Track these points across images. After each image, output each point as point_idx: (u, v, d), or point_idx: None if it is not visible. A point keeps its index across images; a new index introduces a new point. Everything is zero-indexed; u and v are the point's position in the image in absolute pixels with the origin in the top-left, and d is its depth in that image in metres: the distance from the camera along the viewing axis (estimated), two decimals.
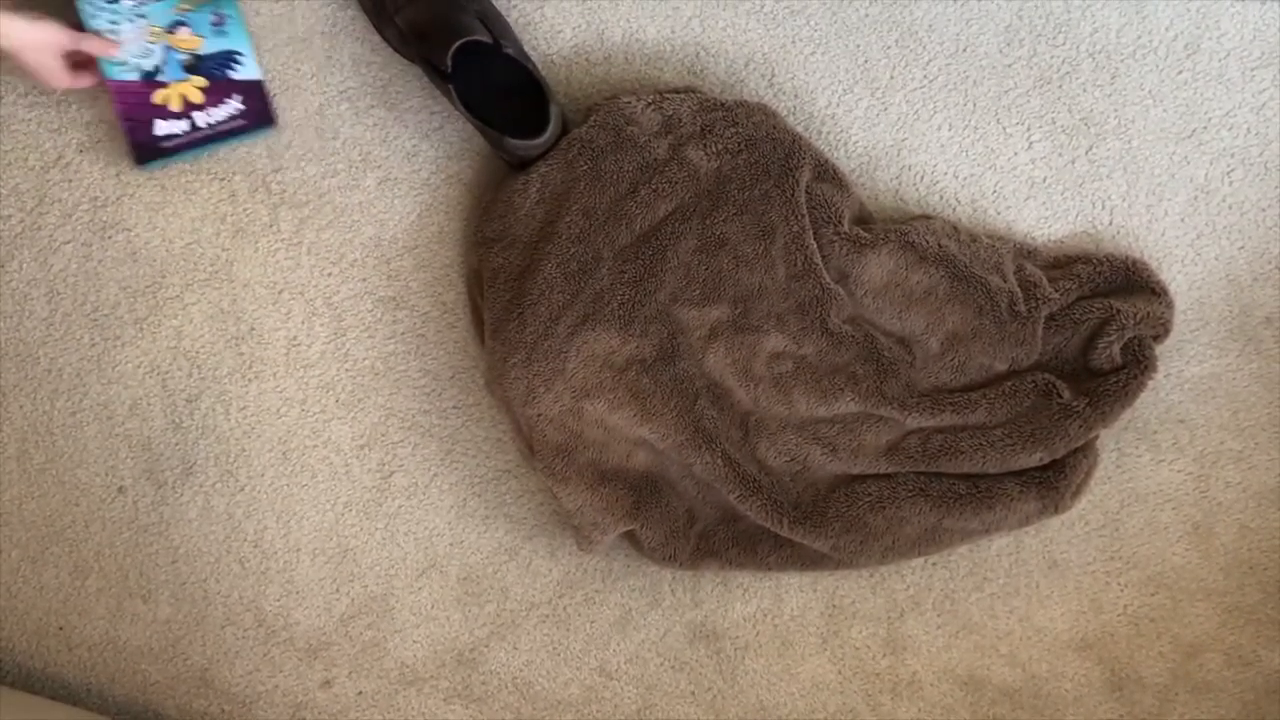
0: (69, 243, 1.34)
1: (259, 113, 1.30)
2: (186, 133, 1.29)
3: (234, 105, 1.30)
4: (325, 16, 1.31)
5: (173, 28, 1.28)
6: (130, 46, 1.26)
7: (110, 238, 1.34)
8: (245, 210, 1.33)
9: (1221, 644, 1.45)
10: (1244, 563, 1.43)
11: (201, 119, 1.29)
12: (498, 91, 1.27)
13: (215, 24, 1.28)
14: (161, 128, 1.29)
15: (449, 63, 1.22)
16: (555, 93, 1.30)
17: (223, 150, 1.32)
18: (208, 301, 1.36)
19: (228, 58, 1.29)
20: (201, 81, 1.29)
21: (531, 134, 1.25)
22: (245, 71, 1.30)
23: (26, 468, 1.38)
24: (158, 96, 1.28)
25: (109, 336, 1.36)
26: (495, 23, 1.27)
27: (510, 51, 1.25)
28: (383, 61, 1.32)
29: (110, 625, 1.41)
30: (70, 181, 1.33)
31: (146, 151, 1.29)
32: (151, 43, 1.27)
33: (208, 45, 1.29)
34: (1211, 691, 1.46)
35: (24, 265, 1.34)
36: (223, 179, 1.33)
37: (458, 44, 1.21)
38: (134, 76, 1.27)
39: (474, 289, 1.34)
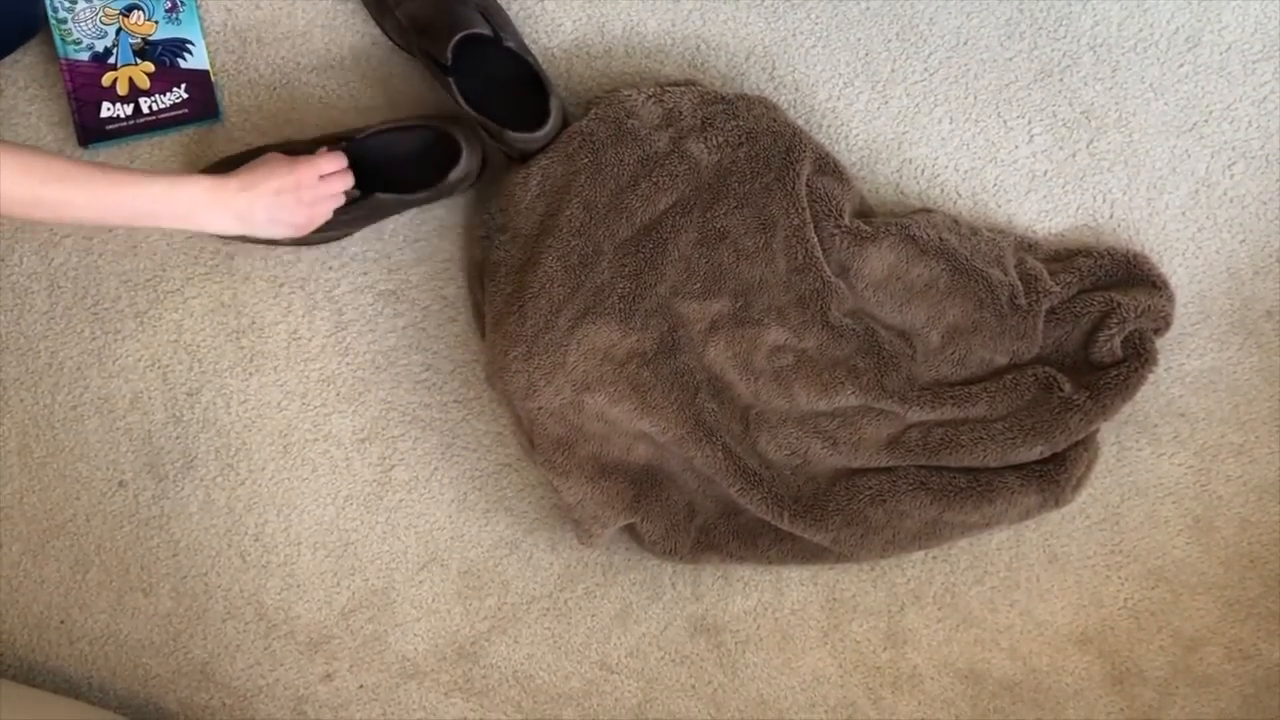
0: (69, 236, 1.34)
1: (203, 103, 1.31)
2: (129, 117, 1.30)
3: (179, 94, 1.30)
4: (324, 10, 1.31)
5: (127, 10, 1.28)
6: (85, 25, 1.27)
7: (111, 231, 1.34)
8: None
9: (1222, 637, 1.45)
10: (1244, 556, 1.43)
11: (146, 104, 1.30)
12: (498, 84, 1.27)
13: (169, 10, 1.29)
14: (107, 110, 1.29)
15: (449, 56, 1.22)
16: (556, 86, 1.30)
17: (166, 138, 1.32)
18: (208, 295, 1.36)
19: (178, 45, 1.29)
20: (149, 67, 1.29)
21: (532, 127, 1.25)
22: (194, 61, 1.30)
23: (27, 461, 1.38)
24: (106, 78, 1.29)
25: (109, 330, 1.36)
26: (496, 15, 1.26)
27: (511, 45, 1.25)
28: (383, 55, 1.32)
29: (111, 619, 1.41)
30: None
31: (91, 133, 1.30)
32: (106, 23, 1.28)
33: (160, 31, 1.29)
34: (1212, 685, 1.46)
35: (24, 259, 1.34)
36: None
37: (458, 37, 1.21)
38: (85, 56, 1.28)
39: (475, 282, 1.34)
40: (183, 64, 1.30)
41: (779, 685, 1.45)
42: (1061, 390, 1.31)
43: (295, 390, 1.38)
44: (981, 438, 1.31)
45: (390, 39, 1.30)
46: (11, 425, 1.37)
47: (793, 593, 1.43)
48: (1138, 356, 1.32)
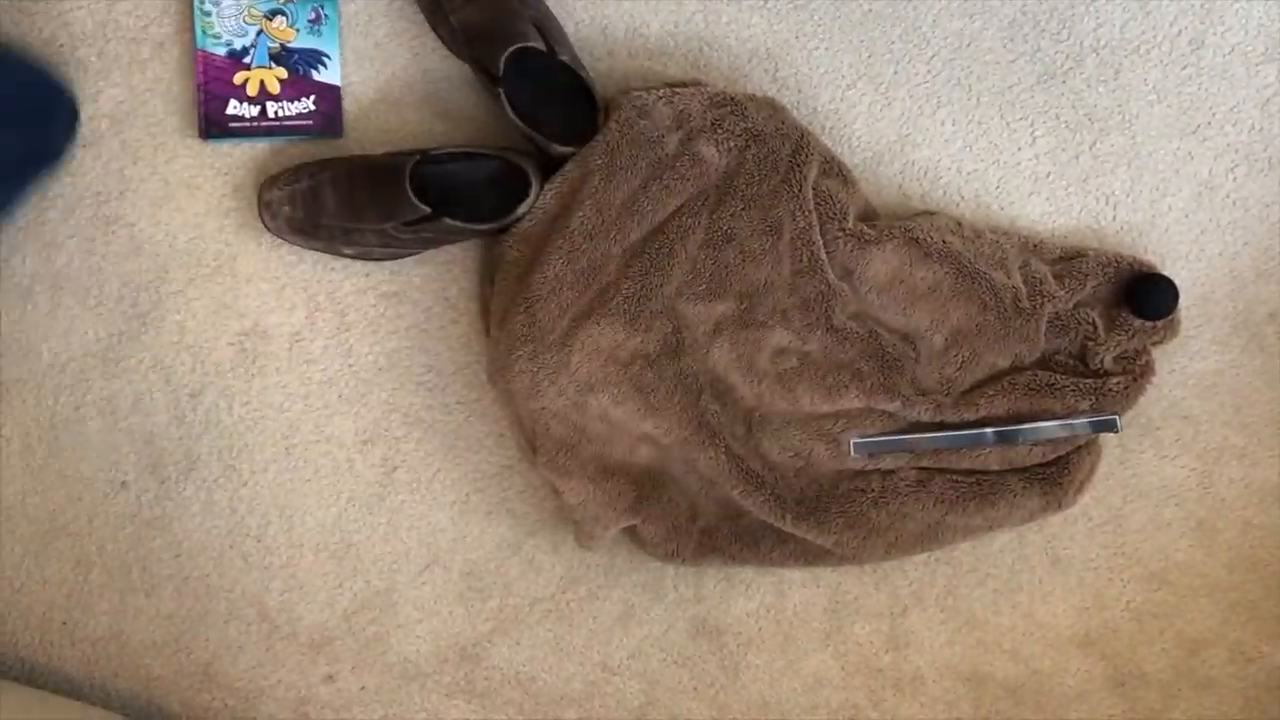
0: (72, 238, 1.34)
1: (328, 117, 1.31)
2: (254, 119, 1.30)
3: (307, 104, 1.30)
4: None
5: (271, 15, 1.29)
6: (228, 21, 1.28)
7: (113, 233, 1.34)
8: (249, 205, 1.33)
9: (1224, 640, 1.45)
10: (1247, 559, 1.43)
11: (273, 109, 1.30)
12: (547, 96, 1.26)
13: (312, 20, 1.29)
14: (233, 107, 1.30)
15: (501, 67, 1.21)
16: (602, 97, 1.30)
17: (286, 144, 1.33)
18: (211, 296, 1.36)
19: (315, 57, 1.30)
20: (282, 73, 1.30)
21: (580, 140, 1.25)
22: (327, 75, 1.30)
23: (30, 463, 1.38)
24: (238, 77, 1.29)
25: (112, 332, 1.36)
26: (550, 28, 1.26)
27: (564, 58, 1.24)
28: (384, 57, 1.32)
29: (113, 620, 1.41)
30: (73, 177, 1.33)
31: (214, 127, 1.30)
32: (248, 23, 1.29)
33: (299, 40, 1.29)
34: (1214, 688, 1.46)
35: (27, 259, 1.34)
36: (226, 173, 1.33)
37: (511, 50, 1.21)
38: (222, 51, 1.29)
39: (485, 279, 1.34)
40: (315, 76, 1.30)
41: (781, 687, 1.45)
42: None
43: (297, 392, 1.37)
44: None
45: (443, 44, 1.30)
46: (14, 427, 1.37)
47: (795, 595, 1.43)
48: (1136, 368, 1.33)
